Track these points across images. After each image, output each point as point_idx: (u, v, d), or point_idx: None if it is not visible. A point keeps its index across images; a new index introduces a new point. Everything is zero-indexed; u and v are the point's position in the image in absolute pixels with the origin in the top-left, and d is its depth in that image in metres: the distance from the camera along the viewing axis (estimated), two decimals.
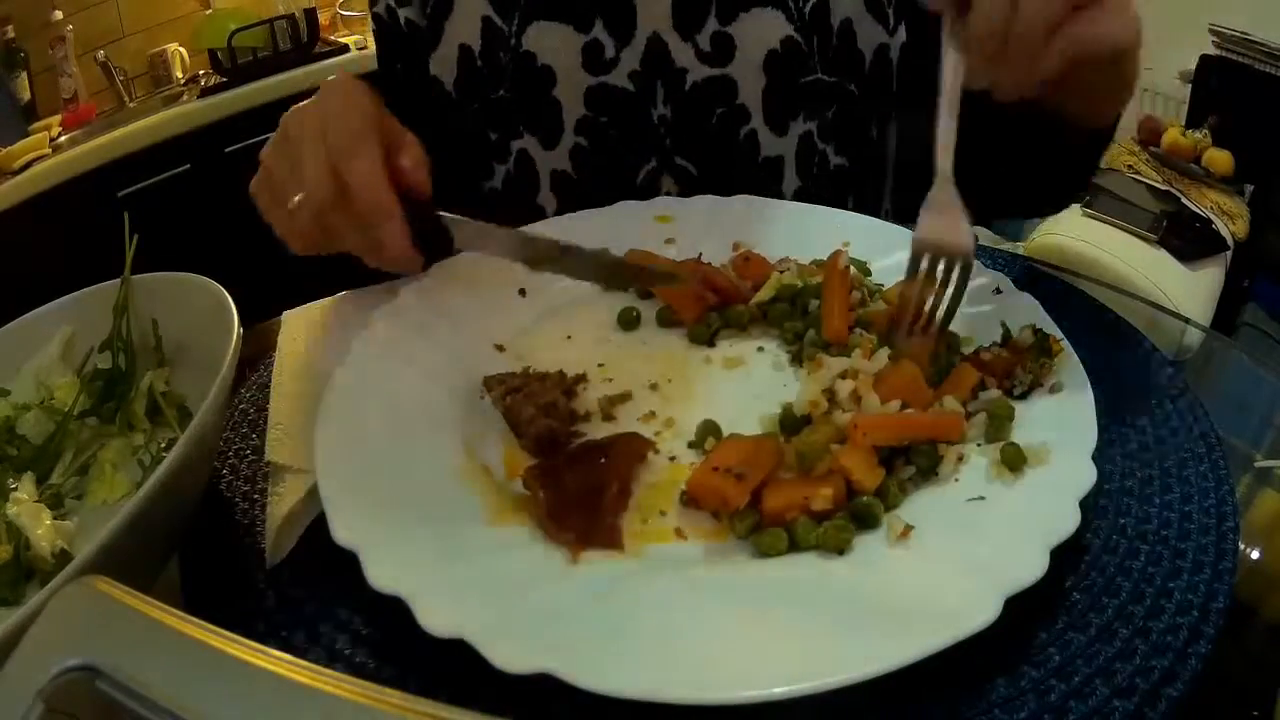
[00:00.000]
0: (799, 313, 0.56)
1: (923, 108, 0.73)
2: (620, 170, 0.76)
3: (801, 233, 0.63)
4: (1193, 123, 2.09)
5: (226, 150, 1.99)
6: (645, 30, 0.72)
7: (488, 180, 0.80)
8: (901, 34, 0.76)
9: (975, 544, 0.39)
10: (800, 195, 0.76)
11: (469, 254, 0.61)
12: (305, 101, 0.52)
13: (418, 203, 0.52)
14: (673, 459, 0.47)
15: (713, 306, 0.57)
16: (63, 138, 1.97)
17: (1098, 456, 0.42)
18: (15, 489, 0.45)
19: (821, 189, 0.77)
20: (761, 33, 0.72)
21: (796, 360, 0.53)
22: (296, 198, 0.50)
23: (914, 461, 0.44)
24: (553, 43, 0.72)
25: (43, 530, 0.43)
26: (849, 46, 0.75)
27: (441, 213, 0.54)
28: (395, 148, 0.53)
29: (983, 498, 0.42)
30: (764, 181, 0.76)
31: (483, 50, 0.74)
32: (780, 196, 0.74)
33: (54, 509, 0.45)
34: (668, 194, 0.75)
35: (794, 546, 0.41)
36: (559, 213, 0.75)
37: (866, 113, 0.78)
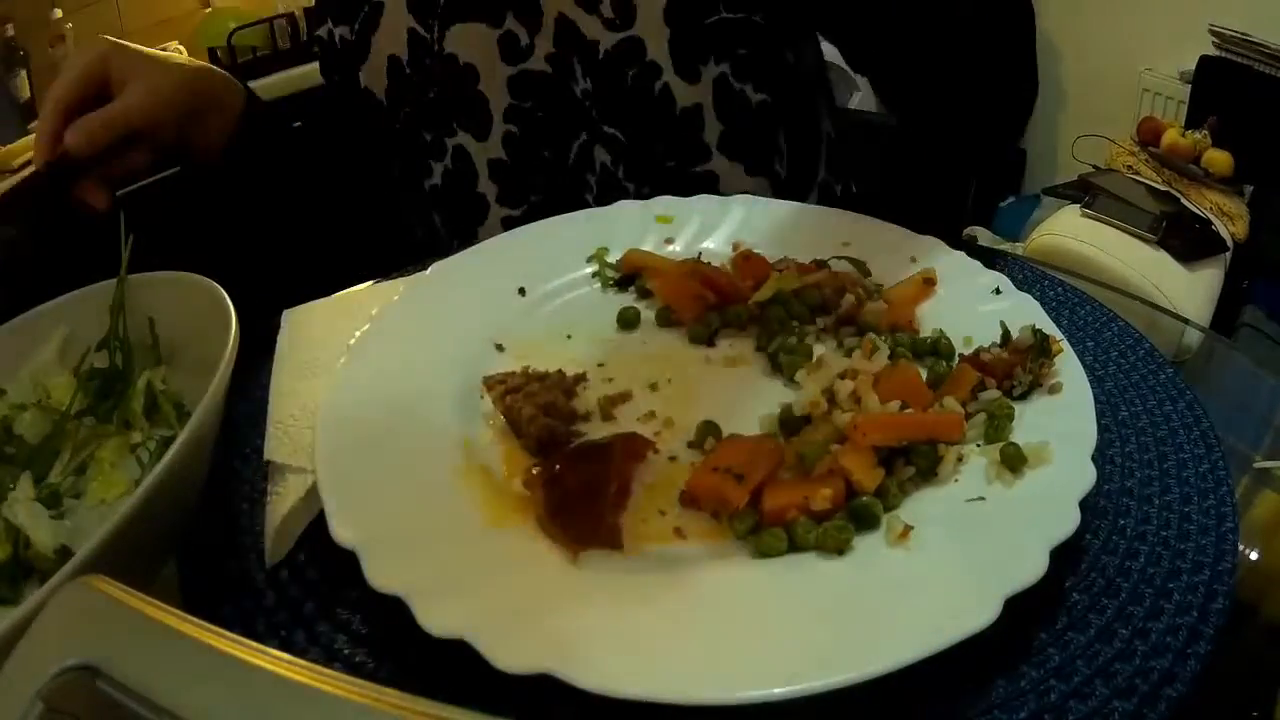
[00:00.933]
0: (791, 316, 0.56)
1: (832, 23, 0.75)
2: (553, 149, 0.78)
3: (801, 233, 0.63)
4: (1193, 123, 2.09)
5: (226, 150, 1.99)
6: (551, 13, 0.74)
7: (428, 178, 0.82)
8: None
9: (975, 544, 0.39)
10: (725, 140, 0.77)
11: (469, 254, 0.62)
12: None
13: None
14: (673, 459, 0.47)
15: (713, 306, 0.57)
16: None
17: (1098, 456, 0.42)
18: (13, 489, 0.45)
19: (746, 129, 0.78)
20: None
21: (778, 368, 0.53)
22: None
23: (914, 462, 0.44)
24: (471, 41, 0.75)
25: (43, 529, 0.43)
26: None
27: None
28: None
29: (983, 498, 0.42)
30: (687, 132, 0.76)
31: (410, 59, 0.77)
32: (704, 145, 0.76)
33: (52, 508, 0.45)
34: (602, 164, 0.77)
35: (794, 547, 0.41)
36: (500, 199, 0.79)
37: (778, 42, 0.78)
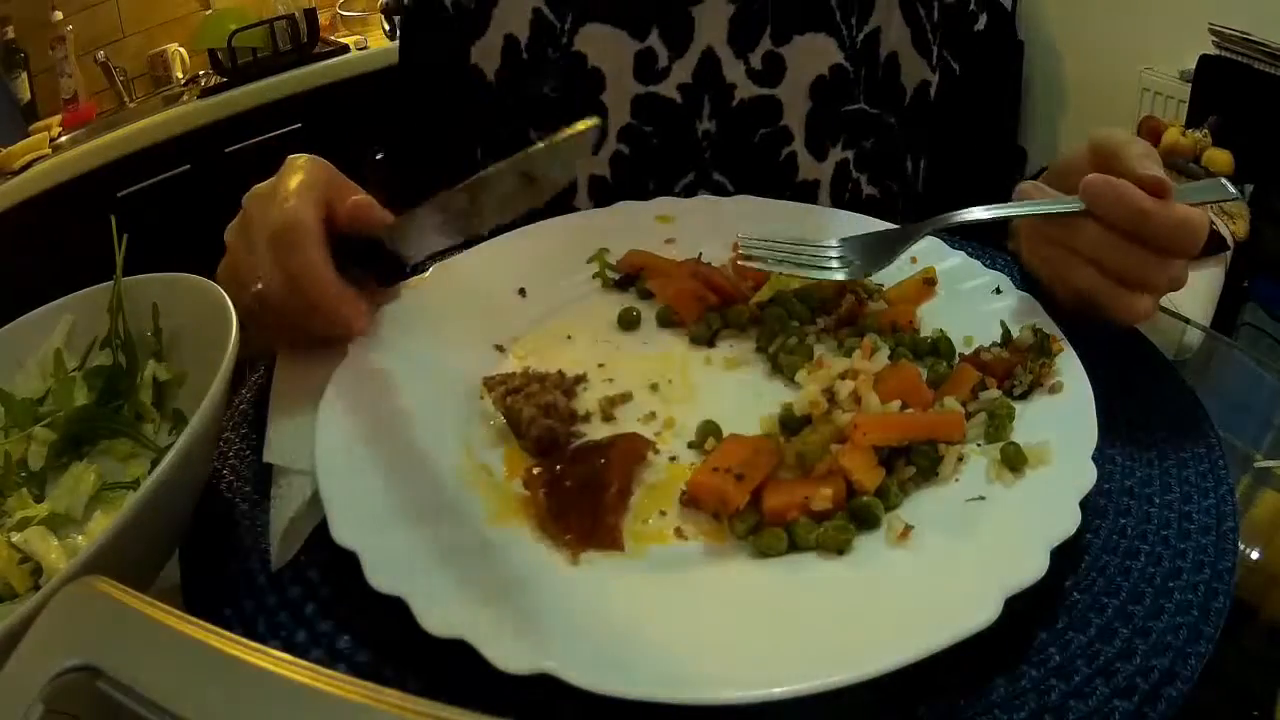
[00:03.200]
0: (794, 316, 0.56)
1: (953, 147, 0.76)
2: (659, 180, 0.76)
3: (802, 233, 0.63)
4: (1193, 123, 2.09)
5: (226, 150, 1.99)
6: (700, 44, 0.72)
7: None
8: (939, 73, 0.77)
9: (975, 544, 0.40)
10: None
11: (469, 254, 0.62)
12: (264, 183, 0.52)
13: (364, 239, 0.51)
14: (673, 459, 0.47)
15: (713, 306, 0.57)
16: (63, 138, 1.97)
17: (1098, 456, 0.42)
18: (17, 515, 0.45)
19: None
20: (812, 57, 0.73)
21: (778, 368, 0.53)
22: (255, 287, 0.49)
23: (914, 461, 0.44)
24: (605, 46, 0.72)
25: (54, 554, 0.43)
26: (893, 79, 0.75)
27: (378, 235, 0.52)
28: (340, 204, 0.51)
29: (983, 498, 0.42)
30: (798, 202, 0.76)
31: (529, 43, 0.73)
32: None
33: (58, 530, 0.45)
34: None
35: (794, 547, 0.41)
36: None
37: (902, 147, 0.78)
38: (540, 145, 0.43)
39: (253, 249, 0.49)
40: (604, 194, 0.77)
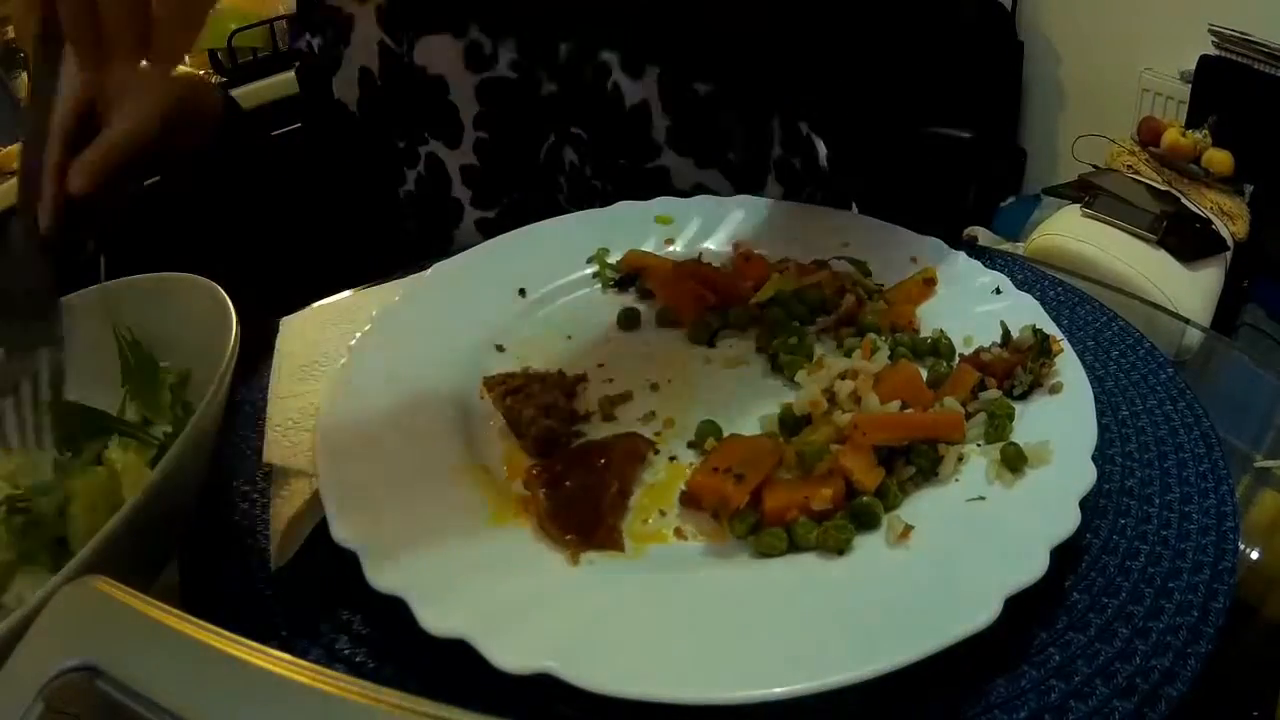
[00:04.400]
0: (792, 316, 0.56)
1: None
2: (523, 152, 0.79)
3: (801, 233, 0.63)
4: (1193, 123, 2.09)
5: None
6: (513, 21, 0.75)
7: (402, 185, 0.83)
8: None
9: (975, 544, 0.39)
10: (672, 135, 0.76)
11: (469, 254, 0.62)
12: None
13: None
14: (673, 459, 0.47)
15: (712, 306, 0.57)
16: None
17: (1098, 456, 0.42)
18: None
19: (694, 122, 0.77)
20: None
21: (778, 368, 0.53)
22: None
23: (914, 461, 0.44)
24: (438, 52, 0.76)
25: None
26: None
27: None
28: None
29: (983, 498, 0.42)
30: (636, 129, 0.77)
31: (381, 70, 0.78)
32: (652, 143, 0.76)
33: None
34: (570, 163, 0.78)
35: (794, 547, 0.41)
36: (474, 203, 0.81)
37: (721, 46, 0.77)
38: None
39: None
40: (477, 178, 0.80)
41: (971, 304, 0.55)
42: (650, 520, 0.44)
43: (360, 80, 0.80)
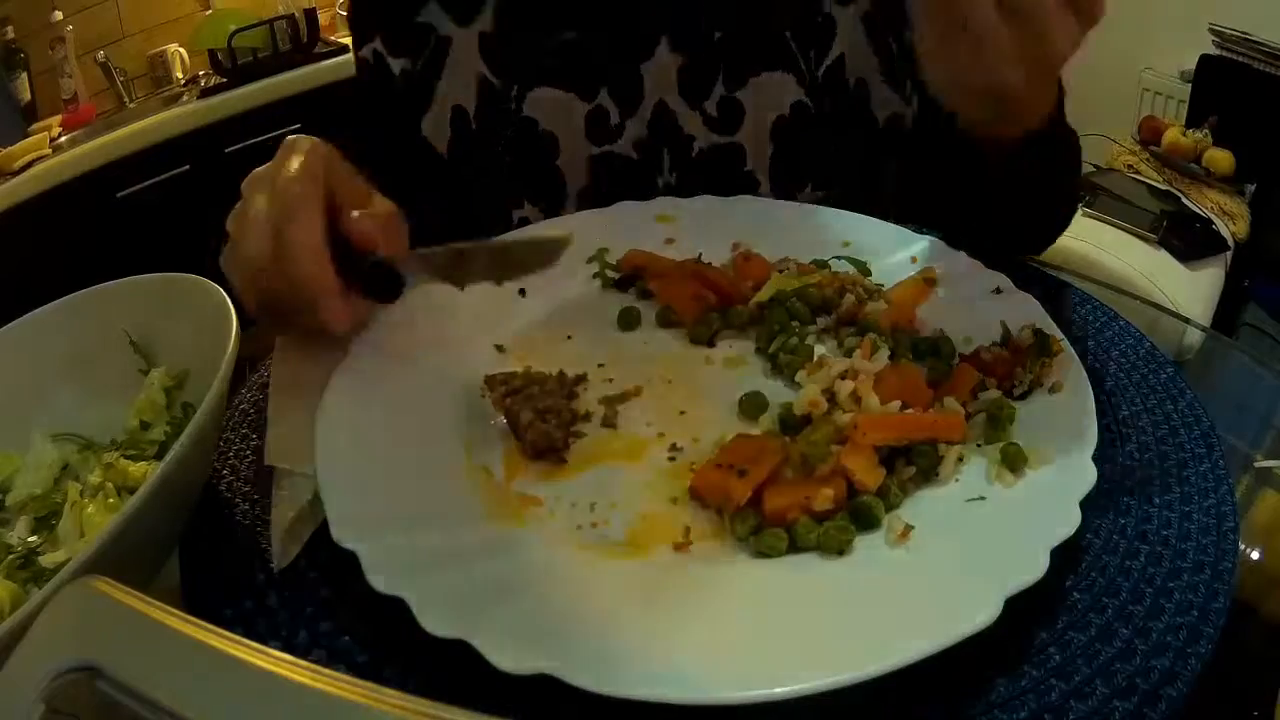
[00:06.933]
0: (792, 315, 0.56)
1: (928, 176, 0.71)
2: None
3: (801, 233, 0.63)
4: (1193, 123, 2.09)
5: (226, 151, 1.99)
6: (652, 98, 0.70)
7: None
8: (915, 103, 0.73)
9: (975, 544, 0.40)
10: None
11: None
12: (263, 166, 0.49)
13: (363, 257, 0.48)
14: (673, 459, 0.47)
15: (712, 307, 0.57)
16: (63, 138, 1.97)
17: (1098, 456, 0.42)
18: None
19: None
20: (771, 97, 0.70)
21: (778, 368, 0.53)
22: (248, 257, 0.47)
23: (914, 461, 0.44)
24: (555, 109, 0.69)
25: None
26: (862, 107, 0.72)
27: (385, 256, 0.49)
28: (348, 208, 0.48)
29: (983, 498, 0.42)
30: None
31: (478, 112, 0.70)
32: None
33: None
34: None
35: (794, 547, 0.41)
36: None
37: (872, 182, 0.75)
38: (521, 237, 0.45)
39: (249, 227, 0.47)
40: None
41: (971, 304, 0.55)
42: (654, 519, 0.43)
43: (453, 120, 0.71)
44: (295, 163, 0.47)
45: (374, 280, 0.48)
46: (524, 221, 0.74)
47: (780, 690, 0.33)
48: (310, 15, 2.18)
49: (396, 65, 0.71)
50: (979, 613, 0.35)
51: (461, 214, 0.75)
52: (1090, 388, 0.47)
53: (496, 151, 0.71)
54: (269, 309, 0.48)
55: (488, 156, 0.71)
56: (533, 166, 0.71)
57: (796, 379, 0.51)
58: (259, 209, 0.46)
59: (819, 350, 0.53)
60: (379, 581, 0.38)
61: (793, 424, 0.47)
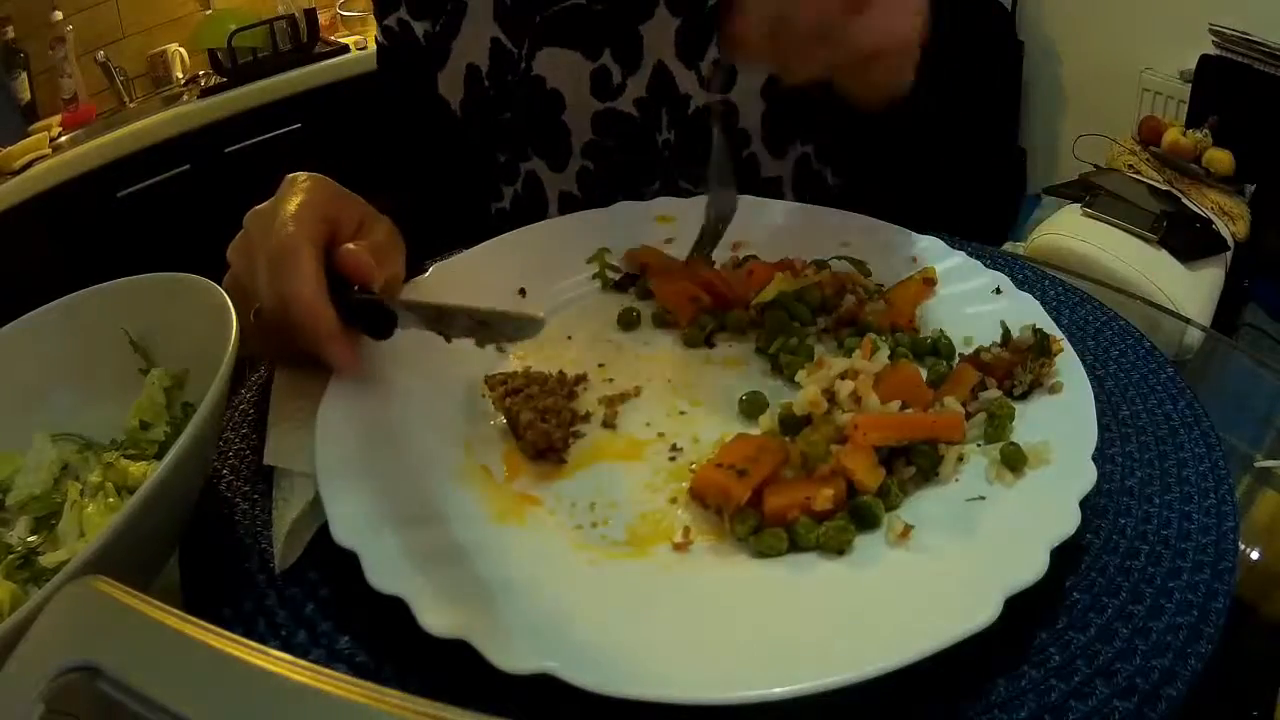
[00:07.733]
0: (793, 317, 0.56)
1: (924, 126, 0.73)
2: (625, 192, 0.76)
3: (801, 233, 0.63)
4: (1193, 123, 2.09)
5: (226, 151, 1.99)
6: (651, 59, 0.73)
7: (496, 201, 0.81)
8: None
9: (975, 544, 0.40)
10: None
11: (469, 254, 0.62)
12: (265, 203, 0.50)
13: (361, 293, 0.49)
14: (673, 459, 0.47)
15: (707, 309, 0.56)
16: (63, 138, 1.97)
17: (1098, 456, 0.42)
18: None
19: (819, 204, 0.78)
20: None
21: (778, 369, 0.53)
22: (254, 310, 0.49)
23: (914, 461, 0.44)
24: (562, 68, 0.73)
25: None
26: None
27: (378, 296, 0.50)
28: (345, 240, 0.49)
29: (983, 498, 0.42)
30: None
31: (490, 71, 0.74)
32: None
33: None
34: None
35: (794, 546, 0.41)
36: None
37: (865, 135, 0.77)
38: (498, 310, 0.49)
39: (251, 270, 0.49)
40: (574, 208, 0.77)
41: (971, 304, 0.55)
42: (654, 519, 0.44)
43: (466, 78, 0.75)
44: (293, 204, 0.49)
45: (365, 315, 0.49)
46: (531, 176, 0.77)
47: (780, 690, 0.33)
48: (310, 15, 2.18)
49: (419, 28, 0.76)
50: (979, 613, 0.35)
51: (471, 167, 0.79)
52: (1090, 388, 0.47)
53: (507, 107, 0.75)
54: (278, 345, 0.50)
55: (499, 112, 0.76)
56: (540, 122, 0.75)
57: (796, 379, 0.51)
58: (260, 264, 0.48)
59: (819, 350, 0.53)
60: (379, 581, 0.38)
61: (793, 424, 0.47)
